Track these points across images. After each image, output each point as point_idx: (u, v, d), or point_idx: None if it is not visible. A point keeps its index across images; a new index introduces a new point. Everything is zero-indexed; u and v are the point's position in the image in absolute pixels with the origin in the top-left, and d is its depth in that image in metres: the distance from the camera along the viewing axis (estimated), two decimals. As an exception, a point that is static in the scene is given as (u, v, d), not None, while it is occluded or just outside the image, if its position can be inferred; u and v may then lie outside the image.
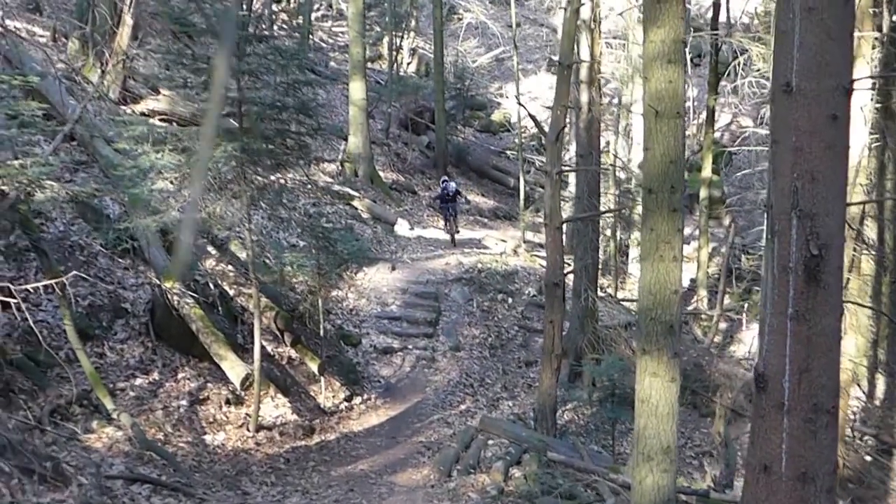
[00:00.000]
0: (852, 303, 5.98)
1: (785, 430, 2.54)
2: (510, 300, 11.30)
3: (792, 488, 2.52)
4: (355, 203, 13.51)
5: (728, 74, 13.63)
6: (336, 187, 13.66)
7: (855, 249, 7.45)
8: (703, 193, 12.88)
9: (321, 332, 8.78)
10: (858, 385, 8.56)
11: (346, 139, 15.12)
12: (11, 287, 5.44)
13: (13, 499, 2.93)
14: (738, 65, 13.03)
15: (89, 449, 5.57)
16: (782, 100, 2.77)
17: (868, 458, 7.86)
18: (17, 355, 6.10)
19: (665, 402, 3.87)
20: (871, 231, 8.38)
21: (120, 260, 7.91)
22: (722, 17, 14.18)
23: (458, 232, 13.77)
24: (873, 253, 7.91)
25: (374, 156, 15.43)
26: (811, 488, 2.52)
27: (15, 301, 5.22)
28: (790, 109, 2.74)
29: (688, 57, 14.77)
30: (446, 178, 14.51)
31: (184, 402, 7.11)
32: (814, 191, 2.73)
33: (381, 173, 15.57)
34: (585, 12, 9.41)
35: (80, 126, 8.89)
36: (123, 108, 11.45)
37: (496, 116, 21.37)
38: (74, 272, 6.47)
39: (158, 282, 7.67)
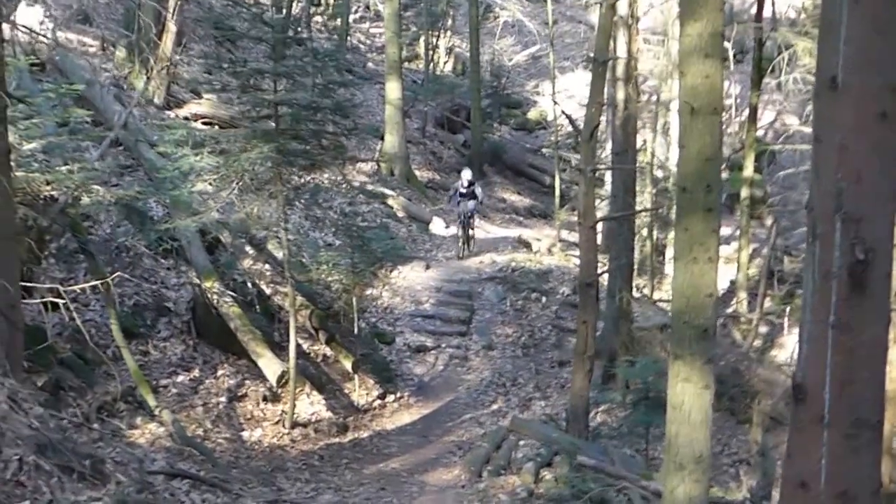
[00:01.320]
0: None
1: (824, 445, 2.41)
2: (544, 299, 11.19)
3: (832, 507, 2.40)
4: (390, 202, 13.60)
5: (772, 70, 13.13)
6: (371, 186, 13.77)
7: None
8: (744, 193, 12.45)
9: (355, 331, 8.88)
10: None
11: (382, 138, 15.24)
12: (61, 288, 5.69)
13: (52, 496, 3.07)
14: (783, 60, 12.54)
15: (133, 445, 5.79)
16: (827, 96, 2.63)
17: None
18: (66, 354, 6.38)
19: (698, 409, 3.74)
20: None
21: (163, 260, 8.18)
22: (767, 12, 13.66)
23: (473, 240, 12.10)
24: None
25: (409, 155, 15.50)
26: (852, 507, 2.39)
27: (64, 301, 5.46)
28: (835, 106, 2.60)
29: (731, 53, 14.32)
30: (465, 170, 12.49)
31: (223, 399, 7.31)
32: (860, 192, 2.58)
33: (416, 172, 15.62)
34: (623, 8, 9.23)
35: (125, 131, 9.23)
36: (168, 112, 11.84)
37: (532, 114, 21.18)
38: (120, 273, 6.72)
39: (199, 281, 7.90)
